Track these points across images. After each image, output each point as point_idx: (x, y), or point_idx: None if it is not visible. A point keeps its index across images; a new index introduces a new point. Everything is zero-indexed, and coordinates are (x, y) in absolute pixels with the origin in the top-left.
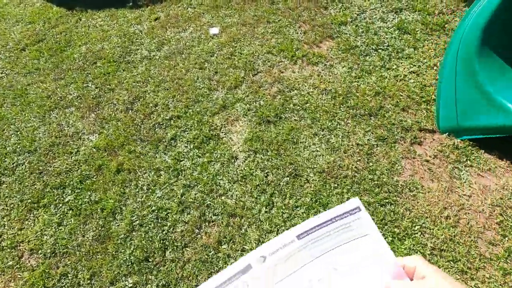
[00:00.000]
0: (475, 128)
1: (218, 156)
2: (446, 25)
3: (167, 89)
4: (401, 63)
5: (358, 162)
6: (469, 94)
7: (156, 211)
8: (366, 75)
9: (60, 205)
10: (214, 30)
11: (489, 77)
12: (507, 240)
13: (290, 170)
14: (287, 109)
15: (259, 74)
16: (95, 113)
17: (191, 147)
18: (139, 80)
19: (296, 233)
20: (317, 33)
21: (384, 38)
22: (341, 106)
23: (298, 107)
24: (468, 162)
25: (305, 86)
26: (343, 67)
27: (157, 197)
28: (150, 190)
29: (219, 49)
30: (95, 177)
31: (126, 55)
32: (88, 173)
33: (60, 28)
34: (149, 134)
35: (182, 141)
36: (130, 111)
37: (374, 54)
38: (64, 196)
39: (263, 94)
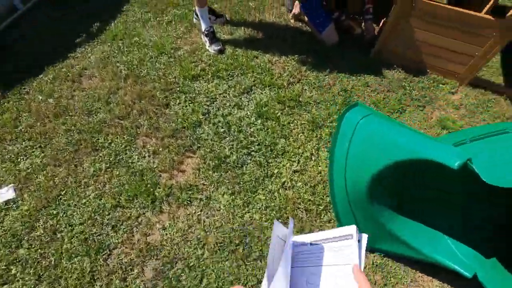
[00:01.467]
0: (384, 251)
1: None
2: (300, 98)
3: None
4: (280, 163)
5: None
6: (366, 223)
7: None
8: (253, 196)
9: None
10: (7, 193)
11: (382, 212)
12: None
13: None
14: None
15: (114, 252)
16: None
17: None
18: None
19: (311, 239)
20: (172, 149)
21: (250, 133)
22: (247, 262)
23: None
24: (393, 279)
25: (189, 248)
26: (223, 194)
27: None
28: None
29: (28, 229)
30: None
31: None
32: None
33: None
34: None
35: None
36: None
37: (249, 161)
38: None
39: None
